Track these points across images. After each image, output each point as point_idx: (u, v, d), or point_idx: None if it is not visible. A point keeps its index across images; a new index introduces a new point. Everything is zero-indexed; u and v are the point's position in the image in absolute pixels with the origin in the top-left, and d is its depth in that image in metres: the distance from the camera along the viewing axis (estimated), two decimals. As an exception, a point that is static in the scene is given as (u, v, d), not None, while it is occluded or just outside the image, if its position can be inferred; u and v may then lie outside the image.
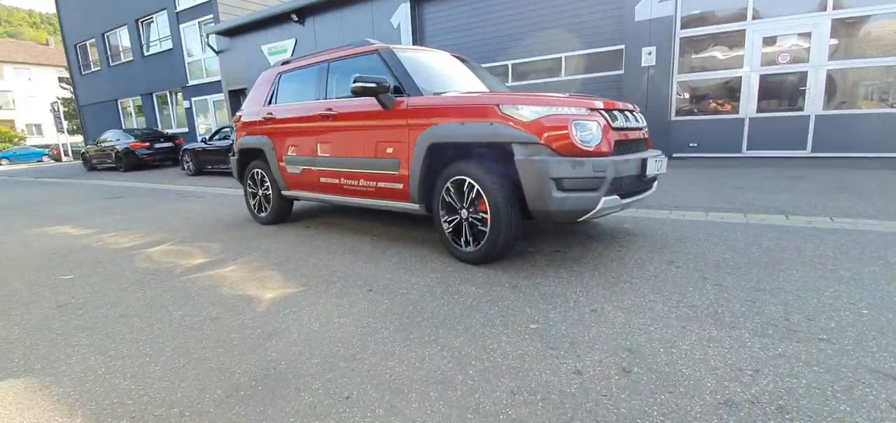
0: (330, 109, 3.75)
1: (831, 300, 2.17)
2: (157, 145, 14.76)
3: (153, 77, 19.24)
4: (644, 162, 2.84)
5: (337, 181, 3.79)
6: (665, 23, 8.32)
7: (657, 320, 2.05)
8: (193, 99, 17.91)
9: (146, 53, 19.35)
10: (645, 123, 3.29)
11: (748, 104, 8.06)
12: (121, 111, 21.79)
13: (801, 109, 7.68)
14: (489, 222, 2.77)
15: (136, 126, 20.70)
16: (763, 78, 7.90)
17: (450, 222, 3.06)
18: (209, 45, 15.50)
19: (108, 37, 20.95)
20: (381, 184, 3.42)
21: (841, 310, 2.06)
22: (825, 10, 7.26)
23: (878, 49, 7.10)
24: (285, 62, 4.50)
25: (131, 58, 20.04)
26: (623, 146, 2.86)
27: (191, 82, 17.81)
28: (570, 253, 3.11)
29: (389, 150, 3.28)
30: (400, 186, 3.27)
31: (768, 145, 7.98)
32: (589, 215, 2.62)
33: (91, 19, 21.07)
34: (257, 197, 4.74)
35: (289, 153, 4.20)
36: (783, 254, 2.89)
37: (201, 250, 3.79)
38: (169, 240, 4.21)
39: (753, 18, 7.82)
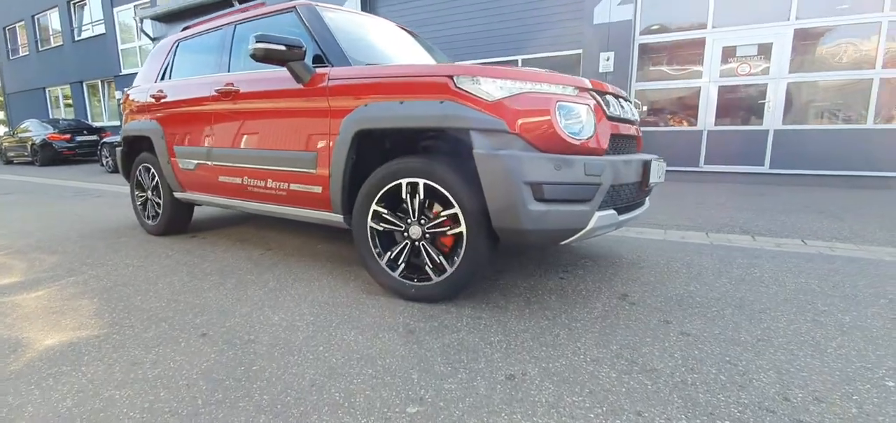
0: (231, 85, 2.82)
1: (841, 364, 1.55)
2: (80, 138, 13.23)
3: (84, 64, 17.49)
4: (647, 166, 2.13)
5: (238, 181, 2.86)
6: (624, 27, 7.92)
7: (600, 398, 1.36)
8: (126, 89, 16.31)
9: (77, 38, 17.59)
10: (638, 117, 2.56)
11: (707, 116, 7.74)
12: (49, 100, 19.77)
13: (760, 122, 7.41)
14: (465, 241, 1.95)
15: (64, 117, 18.77)
16: (722, 90, 7.60)
17: (382, 242, 2.22)
18: (144, 32, 14.11)
19: (38, 19, 19.01)
20: (293, 186, 2.53)
21: (856, 381, 1.44)
22: (788, 19, 7.02)
23: (840, 63, 6.90)
24: (186, 27, 3.54)
25: (61, 42, 18.19)
26: (617, 143, 2.18)
27: (124, 71, 16.24)
28: (498, 280, 2.41)
29: (304, 140, 2.43)
30: (317, 189, 2.41)
31: (726, 160, 7.68)
32: (577, 236, 1.90)
33: (21, -2, 19.08)
34: (145, 199, 3.74)
35: (180, 143, 3.23)
36: (760, 287, 2.30)
37: (28, 263, 2.86)
38: (5, 249, 3.23)
39: (713, 27, 7.52)
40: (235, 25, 3.03)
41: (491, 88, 1.84)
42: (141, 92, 3.60)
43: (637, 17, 7.97)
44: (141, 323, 1.94)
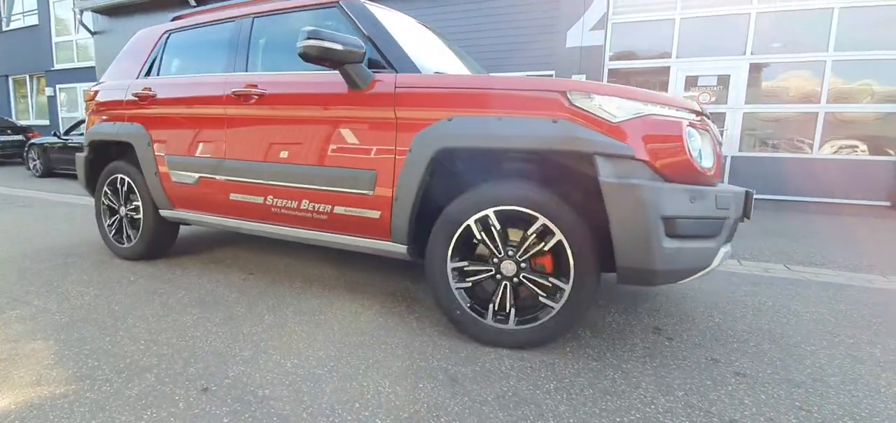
0: (253, 87, 2.42)
1: (904, 406, 1.50)
2: (2, 139, 11.80)
3: (11, 57, 15.74)
4: (750, 197, 1.93)
5: (260, 200, 2.43)
6: (595, 52, 8.14)
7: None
8: (59, 86, 14.84)
9: (5, 28, 15.84)
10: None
11: (672, 141, 8.06)
12: (-35, 95, 17.60)
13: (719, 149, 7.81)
14: (571, 282, 1.72)
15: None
16: (686, 116, 7.97)
17: (470, 281, 1.91)
18: (83, 24, 12.92)
19: (-39, 5, 16.94)
20: (339, 209, 2.17)
21: (932, 427, 1.39)
22: (744, 54, 7.48)
23: (790, 97, 7.43)
24: (177, 17, 3.07)
25: (-16, 32, 16.31)
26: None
27: (57, 66, 14.78)
28: (524, 313, 2.24)
29: (359, 156, 2.08)
30: (374, 214, 2.07)
31: (690, 183, 8.02)
32: (698, 275, 1.73)
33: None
34: (118, 217, 3.17)
35: (176, 152, 2.76)
36: (779, 317, 2.29)
37: (-48, 293, 2.36)
38: (-89, 273, 2.67)
39: (677, 57, 7.89)
40: (253, 18, 2.60)
41: (612, 108, 1.64)
42: (116, 89, 3.06)
43: (607, 42, 8.22)
44: (118, 375, 1.59)
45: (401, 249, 2.06)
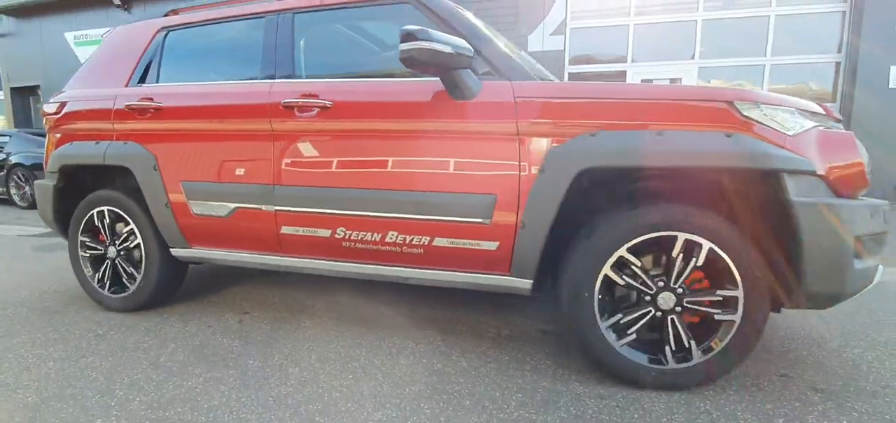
0: (313, 97, 2.00)
1: None
2: None
3: None
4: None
5: (327, 234, 2.02)
6: (556, 56, 8.28)
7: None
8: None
9: None
10: None
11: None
12: None
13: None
14: (740, 314, 1.56)
15: None
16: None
17: (628, 322, 1.68)
18: (-18, 26, 11.27)
19: None
20: (441, 241, 1.85)
21: None
22: (693, 58, 7.92)
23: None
24: (172, 12, 2.60)
25: None
26: None
27: (-55, 74, 12.77)
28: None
29: (470, 178, 1.78)
30: (491, 244, 1.79)
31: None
32: (857, 292, 1.61)
33: None
34: (106, 262, 2.55)
35: (197, 177, 2.24)
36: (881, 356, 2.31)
37: None
38: None
39: (633, 61, 8.21)
40: (294, 14, 2.18)
41: (786, 119, 1.52)
42: (96, 100, 2.49)
43: (567, 47, 8.39)
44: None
45: (523, 284, 1.79)
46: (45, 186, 2.63)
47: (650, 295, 1.65)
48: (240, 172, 2.15)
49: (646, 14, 8.09)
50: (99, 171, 2.60)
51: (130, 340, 2.15)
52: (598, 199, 1.79)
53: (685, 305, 1.63)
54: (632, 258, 1.62)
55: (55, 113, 2.59)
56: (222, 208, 2.21)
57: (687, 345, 1.63)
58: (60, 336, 2.20)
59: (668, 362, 1.64)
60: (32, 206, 6.83)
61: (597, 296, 1.66)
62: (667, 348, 1.64)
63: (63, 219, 2.65)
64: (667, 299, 1.63)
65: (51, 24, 10.64)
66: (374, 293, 2.73)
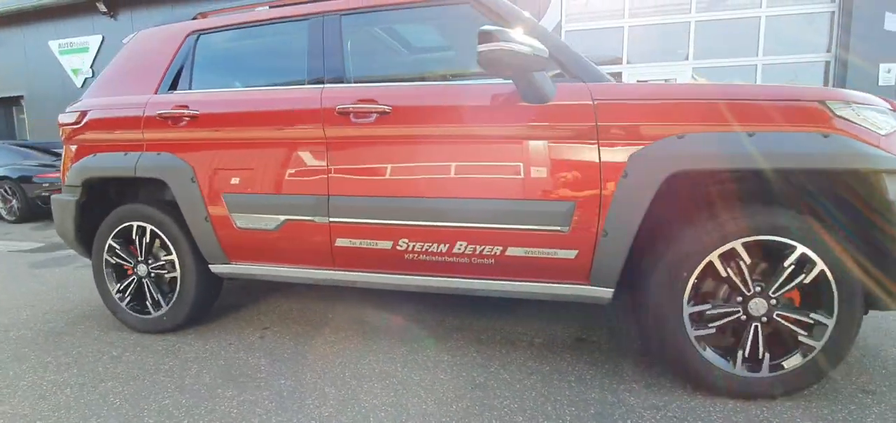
0: (371, 102, 1.89)
1: None
2: None
3: None
4: None
5: (388, 245, 1.92)
6: (552, 59, 8.30)
7: None
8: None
9: None
10: None
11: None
12: None
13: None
14: (835, 317, 1.54)
15: None
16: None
17: (714, 327, 1.64)
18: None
19: None
20: (515, 251, 1.77)
21: None
22: (687, 59, 8.01)
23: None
24: (200, 15, 2.47)
25: None
26: None
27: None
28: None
29: (546, 184, 1.71)
30: (569, 253, 1.72)
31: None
32: None
33: None
34: (136, 280, 2.39)
35: (241, 189, 2.11)
36: None
37: None
38: None
39: (628, 62, 8.28)
40: (341, 16, 2.06)
41: (879, 119, 1.49)
42: (123, 109, 2.33)
43: (562, 49, 8.41)
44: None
45: (603, 293, 1.74)
46: (64, 201, 2.43)
47: (743, 297, 1.60)
48: (289, 182, 2.03)
49: (640, 16, 8.17)
50: (123, 183, 2.47)
51: (149, 361, 2.05)
52: (678, 203, 1.73)
53: (774, 317, 1.60)
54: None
55: (74, 123, 2.41)
56: (270, 221, 2.08)
57: (760, 357, 1.60)
58: (73, 360, 2.09)
59: (735, 366, 1.61)
60: (21, 219, 6.59)
61: (693, 279, 1.60)
62: (740, 353, 1.61)
63: (85, 236, 2.47)
64: (758, 306, 1.59)
65: (34, 32, 10.32)
66: (394, 303, 2.65)
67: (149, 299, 2.38)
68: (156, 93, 2.30)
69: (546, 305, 2.54)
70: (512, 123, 1.74)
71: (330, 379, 1.83)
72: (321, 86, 2.02)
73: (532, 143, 1.72)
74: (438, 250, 1.85)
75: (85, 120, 2.39)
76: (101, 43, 9.70)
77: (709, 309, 1.63)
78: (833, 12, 7.50)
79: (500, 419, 1.54)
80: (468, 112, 1.80)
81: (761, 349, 1.60)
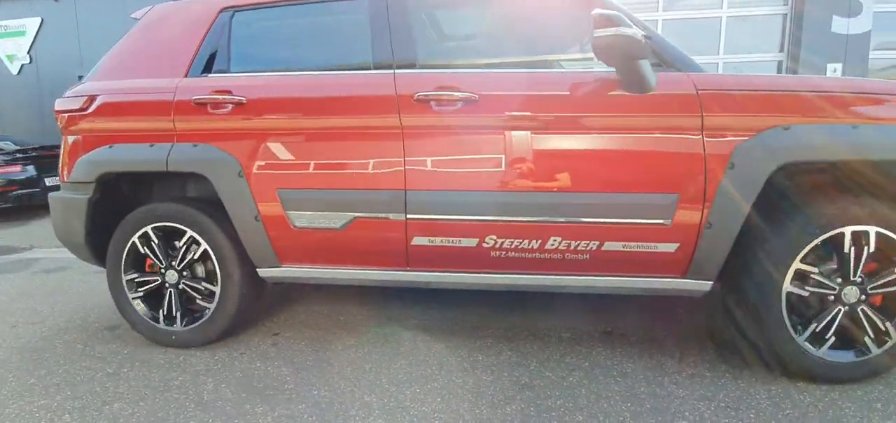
0: (453, 89, 1.75)
1: None
2: None
3: None
4: None
5: (473, 243, 1.80)
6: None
7: None
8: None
9: None
10: None
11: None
12: None
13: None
14: None
15: None
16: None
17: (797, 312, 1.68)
18: None
19: None
20: (613, 245, 1.71)
21: None
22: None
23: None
24: None
25: None
26: None
27: None
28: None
29: (649, 176, 1.66)
30: (670, 246, 1.68)
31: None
32: None
33: None
34: (168, 290, 2.12)
35: (300, 184, 1.90)
36: None
37: None
38: None
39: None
40: None
41: None
42: (146, 93, 2.04)
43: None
44: None
45: (702, 287, 1.72)
46: (71, 199, 2.10)
47: (841, 284, 1.63)
48: (359, 176, 1.86)
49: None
50: (137, 179, 2.20)
51: (154, 377, 1.86)
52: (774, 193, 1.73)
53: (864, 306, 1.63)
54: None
55: (79, 110, 2.08)
56: (335, 219, 1.88)
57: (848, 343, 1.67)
58: (61, 380, 1.86)
59: (823, 350, 1.65)
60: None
61: (797, 265, 1.62)
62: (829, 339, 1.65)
63: (99, 241, 2.15)
64: (851, 294, 1.63)
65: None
66: (400, 301, 2.56)
67: (177, 308, 2.11)
68: (186, 76, 2.04)
69: (557, 297, 2.51)
70: (610, 113, 1.68)
71: (366, 387, 1.73)
72: (392, 71, 1.87)
73: (633, 134, 1.67)
74: (529, 247, 1.77)
75: (94, 106, 2.07)
76: (40, 26, 8.79)
77: (807, 296, 1.66)
78: (785, 15, 8.01)
79: (558, 420, 1.50)
80: (562, 101, 1.72)
81: (857, 334, 1.64)
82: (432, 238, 1.84)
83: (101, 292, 2.93)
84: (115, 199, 2.17)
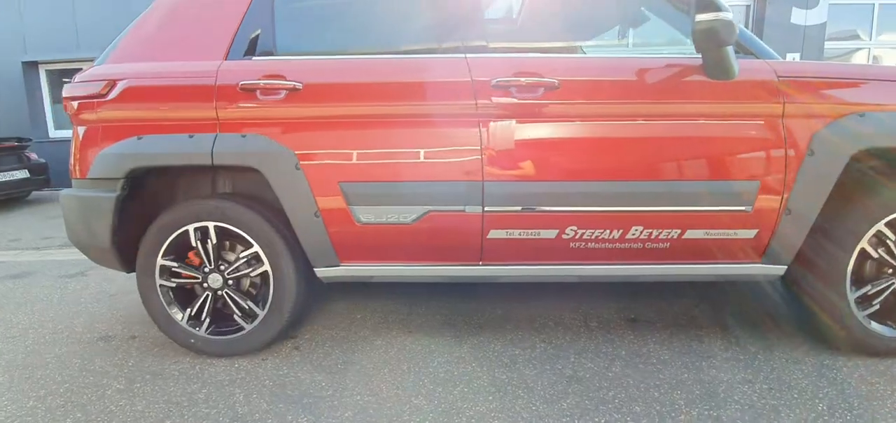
0: (535, 75, 1.68)
1: None
2: None
3: None
4: None
5: (552, 235, 1.75)
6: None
7: None
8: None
9: None
10: None
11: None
12: None
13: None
14: None
15: None
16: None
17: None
18: None
19: None
20: (695, 233, 1.71)
21: None
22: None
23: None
24: None
25: None
26: None
27: None
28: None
29: (731, 163, 1.67)
30: (749, 233, 1.70)
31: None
32: None
33: None
34: (206, 292, 1.93)
35: (365, 177, 1.76)
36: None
37: None
38: None
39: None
40: None
41: None
42: (185, 77, 1.82)
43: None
44: None
45: (777, 271, 1.77)
46: (93, 198, 1.86)
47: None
48: (432, 167, 1.76)
49: (584, 1, 8.48)
50: (185, 174, 2.02)
51: (172, 390, 1.72)
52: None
53: None
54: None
55: (97, 96, 1.83)
56: (406, 214, 1.77)
57: None
58: (67, 401, 1.68)
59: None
60: None
61: (863, 245, 1.69)
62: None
63: (126, 244, 1.93)
64: None
65: None
66: (405, 296, 2.49)
67: (207, 314, 1.94)
68: (226, 58, 1.84)
69: (568, 284, 2.50)
70: (694, 100, 1.67)
71: (412, 389, 1.67)
72: (464, 55, 1.78)
73: (715, 121, 1.68)
74: (610, 237, 1.75)
75: (116, 92, 1.82)
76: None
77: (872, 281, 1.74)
78: (749, 6, 8.39)
79: (618, 411, 1.50)
80: (643, 88, 1.69)
81: None
82: (510, 231, 1.77)
83: (80, 299, 2.69)
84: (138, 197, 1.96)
